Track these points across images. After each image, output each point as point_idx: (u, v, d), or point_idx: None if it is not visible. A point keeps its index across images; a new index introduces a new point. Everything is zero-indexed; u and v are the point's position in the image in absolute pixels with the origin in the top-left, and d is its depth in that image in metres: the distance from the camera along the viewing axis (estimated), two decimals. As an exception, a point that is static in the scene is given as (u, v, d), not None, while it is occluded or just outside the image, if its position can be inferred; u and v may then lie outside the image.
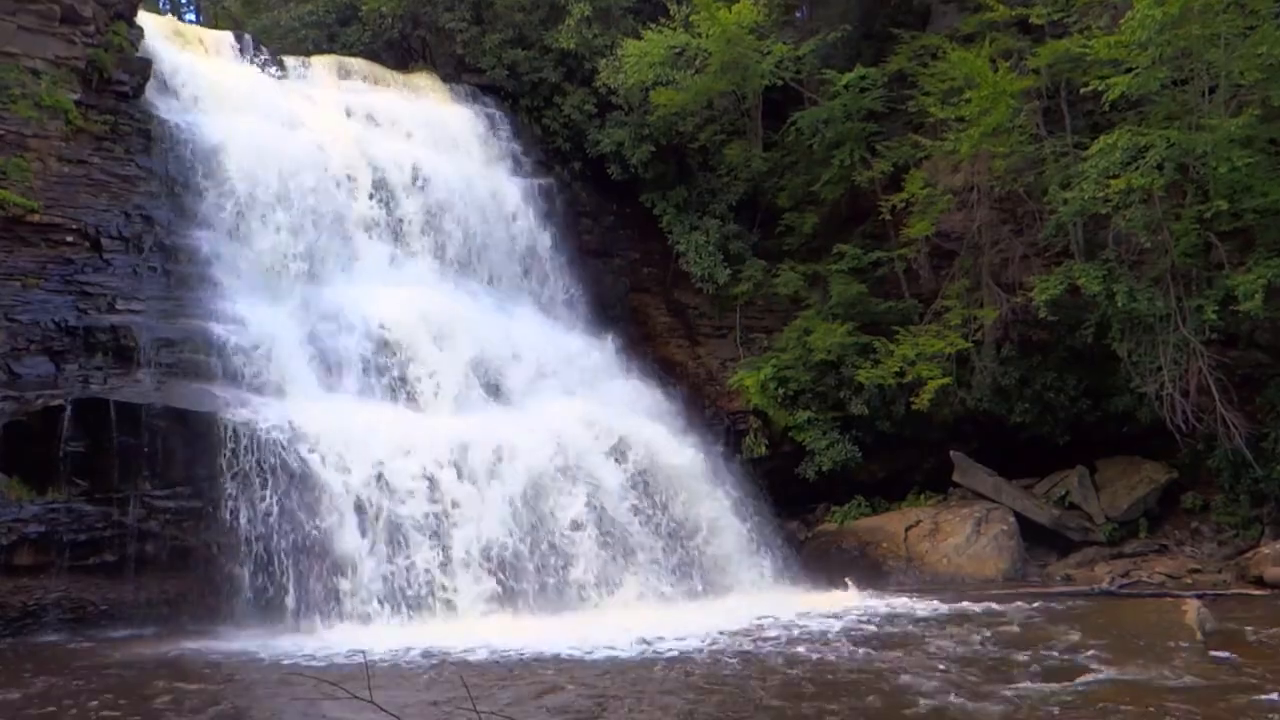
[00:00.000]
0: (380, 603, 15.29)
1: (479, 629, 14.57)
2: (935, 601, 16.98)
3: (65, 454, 15.29)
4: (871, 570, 19.59)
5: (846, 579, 18.29)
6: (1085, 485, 20.55)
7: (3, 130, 15.78)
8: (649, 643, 13.93)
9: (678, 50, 22.06)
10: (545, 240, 22.22)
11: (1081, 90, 18.72)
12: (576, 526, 16.88)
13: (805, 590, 18.28)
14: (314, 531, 15.46)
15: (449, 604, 15.52)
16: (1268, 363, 19.06)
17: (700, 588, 17.56)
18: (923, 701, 10.97)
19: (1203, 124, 17.24)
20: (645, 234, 23.93)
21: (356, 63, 23.13)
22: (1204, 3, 16.74)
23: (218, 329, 17.08)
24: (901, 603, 16.96)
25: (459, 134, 22.56)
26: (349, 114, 21.42)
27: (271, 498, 15.48)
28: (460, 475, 16.54)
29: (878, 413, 21.03)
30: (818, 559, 20.18)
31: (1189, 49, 17.33)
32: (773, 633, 14.71)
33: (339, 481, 15.78)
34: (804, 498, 22.07)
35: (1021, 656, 12.91)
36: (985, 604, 16.60)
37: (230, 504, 15.46)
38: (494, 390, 18.80)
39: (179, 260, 17.59)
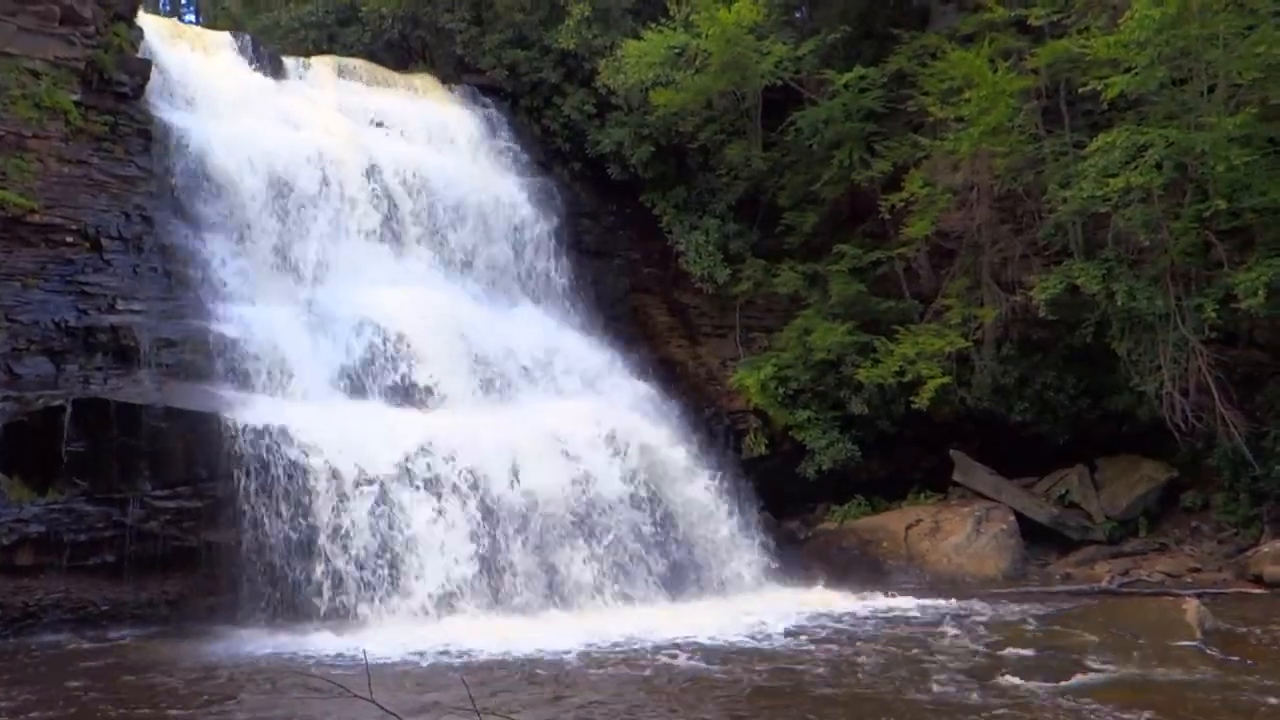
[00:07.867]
0: (381, 603, 15.30)
1: (478, 630, 14.56)
2: (936, 600, 17.00)
3: (66, 454, 15.26)
4: (872, 569, 19.59)
5: (845, 578, 18.29)
6: (1085, 484, 20.55)
7: (2, 131, 15.76)
8: (648, 641, 13.96)
9: (677, 50, 22.05)
10: (545, 241, 22.23)
11: (1080, 90, 18.74)
12: (574, 525, 16.90)
13: (803, 589, 18.28)
14: (314, 532, 15.48)
15: (451, 605, 15.53)
16: (1267, 361, 19.05)
17: (697, 588, 17.61)
18: (924, 698, 11.00)
19: (1201, 123, 17.25)
20: (645, 234, 23.92)
21: (356, 63, 23.10)
22: (1202, 2, 16.76)
23: (218, 329, 17.08)
24: (902, 601, 16.97)
25: (459, 134, 22.57)
26: (349, 115, 21.39)
27: (272, 498, 15.50)
28: (460, 474, 16.55)
29: (878, 412, 21.04)
30: (818, 558, 20.20)
31: (1188, 48, 17.35)
32: (770, 631, 14.74)
33: (339, 482, 15.78)
34: (804, 497, 22.09)
35: (1022, 654, 12.94)
36: (986, 602, 16.64)
37: (230, 505, 15.48)
38: (494, 390, 18.81)
39: (179, 261, 17.56)
